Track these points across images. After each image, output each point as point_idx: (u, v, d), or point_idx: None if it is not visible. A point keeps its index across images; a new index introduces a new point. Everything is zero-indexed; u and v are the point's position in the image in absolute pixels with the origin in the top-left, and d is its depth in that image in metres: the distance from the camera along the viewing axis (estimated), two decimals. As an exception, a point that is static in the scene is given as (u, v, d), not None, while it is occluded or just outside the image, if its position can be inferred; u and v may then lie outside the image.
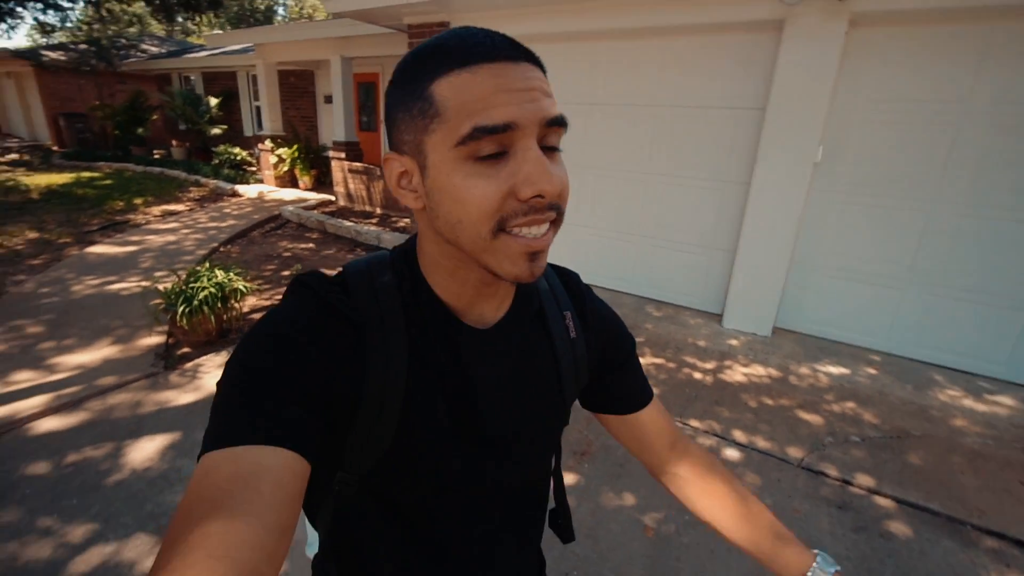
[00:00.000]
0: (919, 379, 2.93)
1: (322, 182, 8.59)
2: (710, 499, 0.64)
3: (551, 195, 0.41)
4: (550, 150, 0.43)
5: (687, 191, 3.69)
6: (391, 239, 5.49)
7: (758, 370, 3.03)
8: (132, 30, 19.01)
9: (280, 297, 3.71)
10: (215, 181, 8.45)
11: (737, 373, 3.00)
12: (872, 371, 3.01)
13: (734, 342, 3.33)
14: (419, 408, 0.48)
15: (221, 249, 5.34)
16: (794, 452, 2.34)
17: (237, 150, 9.27)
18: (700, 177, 3.61)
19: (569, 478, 2.14)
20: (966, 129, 2.79)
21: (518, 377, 0.54)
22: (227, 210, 6.95)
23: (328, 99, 8.90)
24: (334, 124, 7.13)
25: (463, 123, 0.39)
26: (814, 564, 0.55)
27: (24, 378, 2.68)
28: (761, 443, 2.39)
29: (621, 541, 1.84)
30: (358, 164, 6.93)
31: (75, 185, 8.05)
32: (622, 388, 0.65)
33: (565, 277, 0.62)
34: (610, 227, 4.11)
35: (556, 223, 0.44)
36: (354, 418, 0.46)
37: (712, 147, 3.52)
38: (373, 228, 5.83)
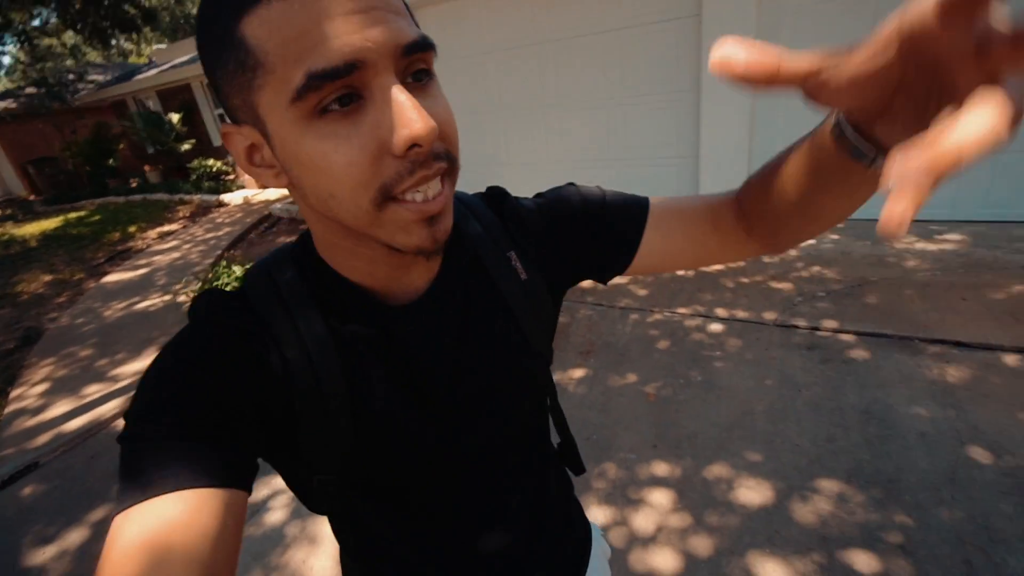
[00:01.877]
0: (877, 235, 3.24)
1: (301, 176, 8.70)
2: (772, 191, 0.45)
3: (428, 140, 0.32)
4: (419, 80, 0.35)
5: (645, 108, 3.89)
6: (381, 214, 5.72)
7: (734, 257, 3.35)
8: (69, 63, 18.49)
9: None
10: (199, 196, 8.60)
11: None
12: (836, 237, 3.32)
13: (711, 238, 3.64)
14: (367, 399, 0.44)
15: (225, 255, 5.60)
16: (769, 315, 2.68)
17: (211, 161, 9.35)
18: (654, 92, 3.81)
19: (578, 372, 2.50)
20: (881, 4, 2.97)
21: (467, 340, 0.48)
22: (219, 220, 7.16)
23: (287, 92, 8.87)
24: (300, 115, 7.19)
25: (293, 71, 0.30)
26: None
27: (94, 390, 3.04)
28: (740, 314, 2.73)
29: (628, 408, 2.21)
30: (333, 150, 7.04)
31: (67, 227, 8.23)
32: (609, 238, 0.52)
33: (498, 206, 0.53)
34: (582, 158, 4.33)
35: (450, 174, 0.37)
36: (297, 425, 0.42)
37: (660, 61, 3.69)
38: (362, 208, 6.05)
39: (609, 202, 0.53)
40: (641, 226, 0.51)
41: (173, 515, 0.32)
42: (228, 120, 0.38)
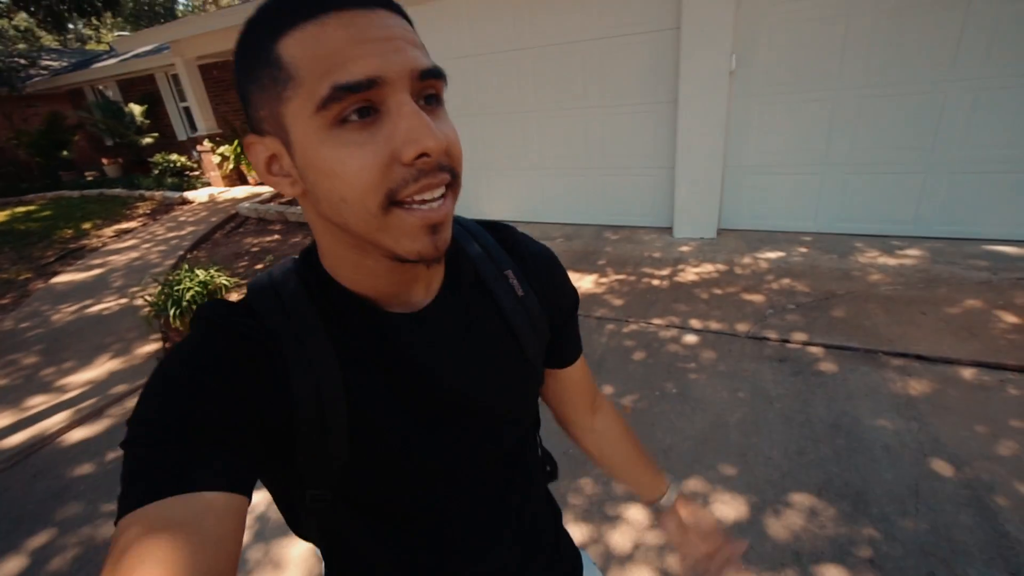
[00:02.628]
0: (843, 249, 3.35)
1: (271, 174, 8.44)
2: (616, 456, 0.72)
3: (437, 152, 0.36)
4: (430, 104, 0.39)
5: (623, 118, 3.92)
6: (354, 216, 5.59)
7: (707, 268, 3.40)
8: (21, 46, 17.44)
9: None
10: (161, 192, 8.23)
11: (690, 274, 3.37)
12: (804, 250, 3.41)
13: (685, 248, 3.68)
14: (366, 409, 0.45)
15: (188, 256, 5.37)
16: (741, 327, 2.73)
17: (175, 156, 8.97)
18: (633, 103, 3.84)
19: (555, 383, 2.47)
20: (855, 17, 3.08)
21: (469, 349, 0.50)
22: (182, 218, 6.87)
23: (257, 87, 8.60)
24: (271, 112, 6.98)
25: (320, 83, 0.34)
26: (670, 485, 0.72)
27: (39, 402, 2.84)
28: (714, 325, 2.77)
29: (605, 421, 2.20)
30: (304, 149, 6.86)
31: (13, 222, 7.74)
32: (560, 343, 0.62)
33: (499, 234, 0.57)
34: (560, 165, 4.34)
35: (452, 187, 0.40)
36: (295, 437, 0.43)
37: (639, 72, 3.73)
38: (334, 209, 5.90)
39: (573, 319, 0.64)
40: (569, 361, 0.65)
41: (179, 516, 0.33)
42: (252, 132, 0.41)
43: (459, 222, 0.55)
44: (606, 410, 0.73)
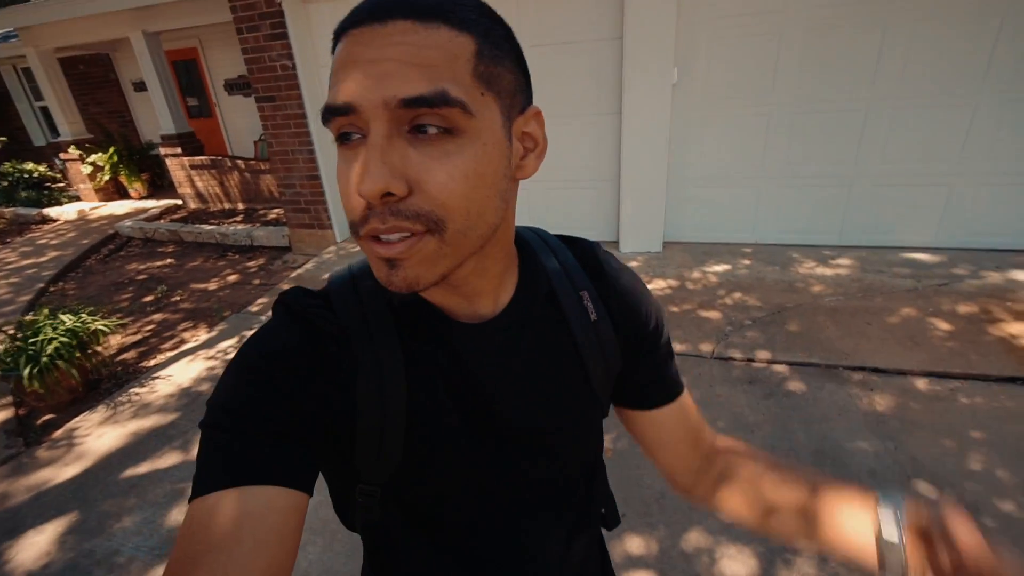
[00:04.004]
0: (783, 260, 3.44)
1: (159, 186, 7.36)
2: (751, 505, 0.53)
3: (369, 196, 0.33)
4: (423, 133, 0.34)
5: (566, 129, 3.77)
6: (265, 235, 4.95)
7: (659, 283, 3.33)
8: None
9: (164, 322, 3.15)
10: (11, 209, 6.84)
11: (643, 291, 3.28)
12: (748, 262, 3.47)
13: (633, 263, 3.60)
14: (425, 413, 0.45)
15: (51, 289, 4.42)
16: (705, 347, 2.65)
17: (30, 165, 7.50)
18: (576, 113, 3.71)
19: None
20: (787, 35, 3.17)
21: (534, 368, 0.49)
22: (41, 241, 5.71)
23: (139, 86, 7.47)
24: (157, 115, 6.05)
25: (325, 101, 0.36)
26: (879, 515, 0.43)
27: None
28: (678, 347, 2.67)
29: (585, 468, 1.98)
30: (201, 158, 6.02)
31: None
32: (641, 380, 0.55)
33: (579, 250, 0.54)
34: (499, 178, 4.09)
35: (431, 232, 0.35)
36: (355, 433, 0.43)
37: (582, 83, 3.60)
38: (241, 227, 5.20)
39: (661, 350, 0.56)
40: (656, 403, 0.56)
41: (248, 508, 0.35)
42: None
43: (539, 234, 0.54)
44: (724, 450, 0.58)
